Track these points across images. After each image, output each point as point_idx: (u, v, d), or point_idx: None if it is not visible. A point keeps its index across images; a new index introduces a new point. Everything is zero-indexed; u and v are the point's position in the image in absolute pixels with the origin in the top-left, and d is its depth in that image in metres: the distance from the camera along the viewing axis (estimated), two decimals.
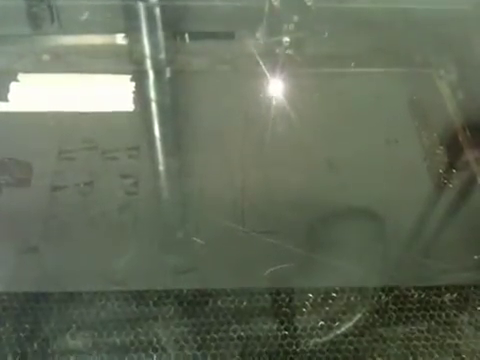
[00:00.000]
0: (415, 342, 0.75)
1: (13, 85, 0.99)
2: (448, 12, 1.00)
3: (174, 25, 1.03)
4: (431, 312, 0.78)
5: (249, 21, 1.00)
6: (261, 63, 0.97)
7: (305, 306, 0.78)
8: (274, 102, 1.00)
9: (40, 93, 0.99)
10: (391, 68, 1.05)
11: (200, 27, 1.03)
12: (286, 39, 0.96)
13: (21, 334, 0.73)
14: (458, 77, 1.03)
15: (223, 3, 0.99)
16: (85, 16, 0.95)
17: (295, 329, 0.76)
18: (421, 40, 1.06)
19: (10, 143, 0.92)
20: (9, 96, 0.98)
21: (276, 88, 1.00)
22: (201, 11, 1.01)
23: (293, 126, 0.97)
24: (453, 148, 0.97)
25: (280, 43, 0.98)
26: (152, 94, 0.99)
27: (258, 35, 0.97)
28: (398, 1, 0.97)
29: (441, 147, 0.97)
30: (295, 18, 0.94)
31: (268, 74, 0.98)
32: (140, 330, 0.74)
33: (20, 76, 1.00)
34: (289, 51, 0.97)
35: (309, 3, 0.92)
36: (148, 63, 1.01)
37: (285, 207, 0.86)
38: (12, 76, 1.00)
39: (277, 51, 0.98)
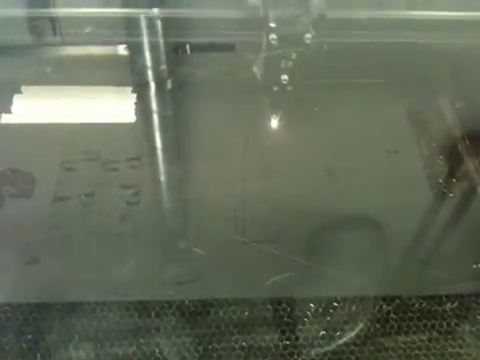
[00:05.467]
0: (416, 351, 0.75)
1: (16, 97, 0.99)
2: (445, 45, 1.01)
3: (175, 37, 1.04)
4: (432, 321, 0.78)
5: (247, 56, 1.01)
6: (262, 75, 0.98)
7: (306, 316, 0.78)
8: (274, 113, 1.00)
9: (43, 104, 0.99)
10: (389, 92, 1.05)
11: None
12: (284, 77, 0.96)
13: (24, 345, 0.73)
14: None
15: (221, 39, 1.00)
16: (88, 30, 0.96)
17: (297, 339, 0.76)
18: (421, 71, 1.06)
19: (13, 154, 0.93)
20: (12, 108, 0.98)
21: (277, 99, 1.00)
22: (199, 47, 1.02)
23: (293, 136, 0.98)
24: (453, 158, 0.97)
25: (278, 82, 0.98)
26: (153, 105, 1.00)
27: (255, 69, 0.97)
28: (398, 35, 0.98)
29: (441, 157, 0.97)
30: (293, 55, 0.95)
31: (269, 85, 0.99)
32: (142, 340, 0.74)
33: (23, 88, 1.01)
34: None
35: (308, 41, 0.93)
36: (149, 74, 1.02)
37: (285, 217, 0.86)
38: (15, 88, 1.00)
39: (276, 89, 0.98)
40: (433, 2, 1.01)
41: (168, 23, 1.00)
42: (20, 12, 0.98)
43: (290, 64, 0.96)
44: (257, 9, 0.92)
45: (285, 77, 0.97)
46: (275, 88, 0.98)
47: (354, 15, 0.97)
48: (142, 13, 0.99)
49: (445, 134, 1.02)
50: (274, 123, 1.00)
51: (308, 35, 0.94)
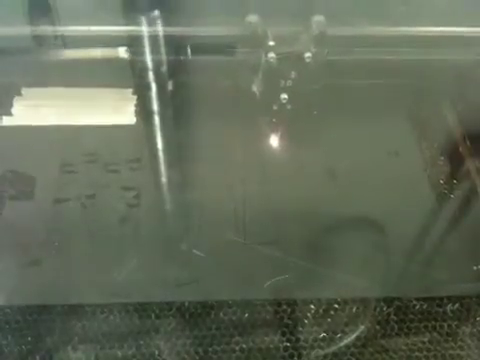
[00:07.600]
0: (417, 353, 0.75)
1: (16, 99, 1.00)
2: (443, 62, 1.01)
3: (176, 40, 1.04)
4: (433, 323, 0.78)
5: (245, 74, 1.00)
6: (262, 78, 0.98)
7: (307, 318, 0.78)
8: (274, 116, 1.00)
9: (43, 106, 0.99)
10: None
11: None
12: (284, 96, 0.95)
13: (24, 347, 0.74)
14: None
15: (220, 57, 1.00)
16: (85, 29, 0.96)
17: (297, 341, 0.76)
18: (425, 87, 1.06)
19: (13, 156, 0.93)
20: (12, 110, 0.98)
21: (277, 102, 1.00)
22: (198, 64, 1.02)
23: (294, 139, 0.98)
24: (454, 159, 0.97)
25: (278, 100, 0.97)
26: (154, 107, 1.00)
27: (254, 88, 0.97)
28: (398, 52, 0.97)
29: (442, 158, 0.97)
30: (293, 74, 0.94)
31: (269, 88, 0.99)
32: (142, 343, 0.74)
33: (23, 90, 1.01)
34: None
35: (308, 59, 0.92)
36: (150, 76, 1.02)
37: (286, 218, 0.86)
38: (15, 90, 1.00)
39: (275, 107, 0.98)
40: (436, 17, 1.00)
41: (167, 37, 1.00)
42: (21, 30, 0.98)
43: (290, 83, 0.95)
44: (256, 27, 0.91)
45: (285, 96, 0.96)
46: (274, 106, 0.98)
47: (355, 32, 0.96)
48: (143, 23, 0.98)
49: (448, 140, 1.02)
50: (274, 128, 1.00)
51: (308, 53, 0.93)
